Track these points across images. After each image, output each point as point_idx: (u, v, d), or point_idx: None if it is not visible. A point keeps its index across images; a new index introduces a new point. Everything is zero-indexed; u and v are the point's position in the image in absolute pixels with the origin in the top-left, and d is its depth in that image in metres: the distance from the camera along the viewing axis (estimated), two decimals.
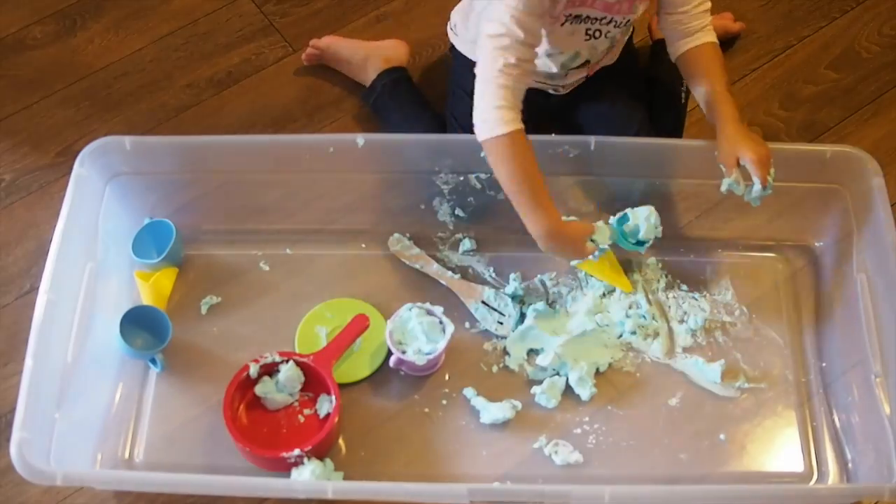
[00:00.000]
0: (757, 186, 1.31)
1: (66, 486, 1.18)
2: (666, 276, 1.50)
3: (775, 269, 1.52)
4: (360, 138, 1.43)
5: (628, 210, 1.40)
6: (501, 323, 1.45)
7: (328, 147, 1.44)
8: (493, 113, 1.26)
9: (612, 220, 1.41)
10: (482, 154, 1.44)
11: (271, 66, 1.81)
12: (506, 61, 1.26)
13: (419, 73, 1.75)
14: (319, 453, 1.32)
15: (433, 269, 1.50)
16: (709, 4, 1.40)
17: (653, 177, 1.48)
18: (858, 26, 1.87)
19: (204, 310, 1.48)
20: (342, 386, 1.38)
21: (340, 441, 1.37)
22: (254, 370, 1.34)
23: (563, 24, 1.37)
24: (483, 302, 1.46)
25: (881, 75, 1.80)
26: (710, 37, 1.40)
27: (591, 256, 1.35)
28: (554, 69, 1.48)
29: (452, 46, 1.61)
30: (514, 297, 1.47)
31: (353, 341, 1.39)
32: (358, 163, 1.46)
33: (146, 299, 1.46)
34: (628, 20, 1.42)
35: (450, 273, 1.50)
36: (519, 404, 1.38)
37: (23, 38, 1.84)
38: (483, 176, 1.48)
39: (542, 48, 1.41)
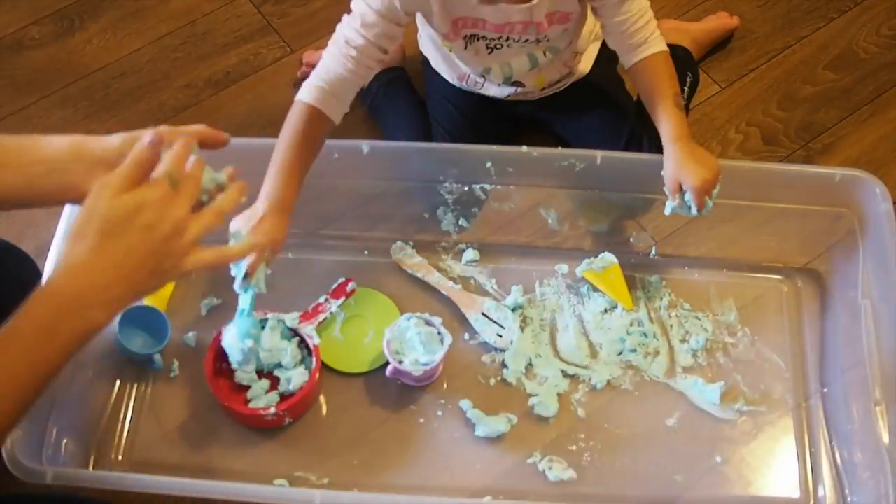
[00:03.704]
0: (693, 211, 1.32)
1: (56, 484, 1.18)
2: (669, 295, 1.49)
3: (780, 291, 1.50)
4: (365, 145, 1.43)
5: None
6: (500, 335, 1.44)
7: (333, 153, 1.44)
8: (312, 82, 1.31)
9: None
10: (488, 164, 1.45)
11: (269, 66, 1.81)
12: (349, 44, 1.30)
13: (416, 73, 1.75)
14: (295, 413, 1.36)
15: (434, 278, 1.50)
16: (649, 14, 1.36)
17: (659, 193, 1.47)
18: (857, 27, 1.86)
19: (204, 311, 1.48)
20: (340, 374, 1.40)
21: (332, 447, 1.37)
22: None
23: (465, 48, 1.41)
24: (483, 313, 1.45)
25: (879, 76, 1.80)
26: (657, 46, 1.37)
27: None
28: (486, 84, 1.52)
29: (421, 53, 1.64)
30: (514, 309, 1.46)
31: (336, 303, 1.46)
32: (362, 169, 1.46)
33: (146, 299, 1.46)
34: (528, 40, 1.40)
35: (451, 283, 1.49)
36: (514, 418, 1.38)
37: (21, 38, 1.85)
38: (488, 187, 1.47)
39: (454, 58, 1.46)
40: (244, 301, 1.30)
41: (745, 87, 1.79)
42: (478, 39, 1.39)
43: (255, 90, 1.78)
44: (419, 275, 1.50)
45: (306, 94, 1.31)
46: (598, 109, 1.58)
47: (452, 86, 1.59)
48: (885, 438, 1.27)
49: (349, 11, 1.33)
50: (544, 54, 1.45)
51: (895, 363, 1.30)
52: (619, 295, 1.47)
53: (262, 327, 1.38)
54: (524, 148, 1.43)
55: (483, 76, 1.51)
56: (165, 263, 0.88)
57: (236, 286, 1.24)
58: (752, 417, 1.39)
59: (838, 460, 1.35)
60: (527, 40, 1.39)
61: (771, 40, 1.85)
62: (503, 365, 1.43)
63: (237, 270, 1.22)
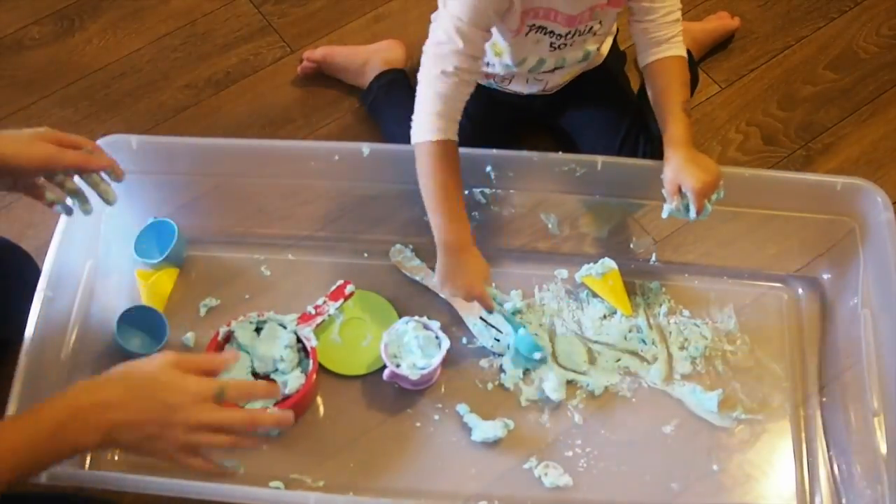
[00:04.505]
0: (692, 214, 1.31)
1: (51, 484, 1.18)
2: (668, 301, 1.48)
3: (780, 299, 1.50)
4: (366, 147, 1.43)
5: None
6: (498, 340, 1.44)
7: (333, 155, 1.43)
8: (426, 118, 1.29)
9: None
10: (487, 169, 1.44)
11: (269, 66, 1.81)
12: (444, 68, 1.27)
13: (416, 73, 1.75)
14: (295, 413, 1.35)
15: (433, 281, 1.49)
16: (678, 14, 1.37)
17: (660, 199, 1.47)
18: (857, 27, 1.86)
19: (203, 311, 1.48)
20: (337, 377, 1.41)
21: (329, 449, 1.37)
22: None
23: (527, 35, 1.38)
24: (481, 318, 1.45)
25: (879, 75, 1.80)
26: (677, 50, 1.37)
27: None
28: (517, 70, 1.49)
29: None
30: (514, 313, 1.46)
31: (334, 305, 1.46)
32: (363, 171, 1.46)
33: (145, 299, 1.46)
34: (591, 28, 1.40)
35: None
36: (512, 423, 1.37)
37: (21, 38, 1.85)
38: (487, 191, 1.47)
39: (506, 58, 1.42)
40: (505, 322, 1.41)
41: (745, 87, 1.79)
42: (544, 33, 1.38)
43: (255, 90, 1.78)
44: (417, 277, 1.50)
45: (428, 132, 1.29)
46: (601, 101, 1.58)
47: None
48: (883, 448, 1.27)
49: (432, 41, 1.31)
50: (597, 49, 1.46)
51: (894, 373, 1.29)
52: (619, 301, 1.47)
53: (259, 330, 1.39)
54: (525, 152, 1.43)
55: (530, 68, 1.48)
56: (158, 442, 0.98)
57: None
58: (750, 425, 1.38)
59: (835, 469, 1.35)
60: (590, 29, 1.39)
61: (771, 40, 1.85)
62: (501, 369, 1.42)
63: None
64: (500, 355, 1.43)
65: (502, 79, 1.53)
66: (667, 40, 1.36)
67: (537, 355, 1.40)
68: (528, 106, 1.59)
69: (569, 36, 1.38)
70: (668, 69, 1.37)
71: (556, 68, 1.47)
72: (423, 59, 1.30)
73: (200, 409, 0.99)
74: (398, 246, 1.52)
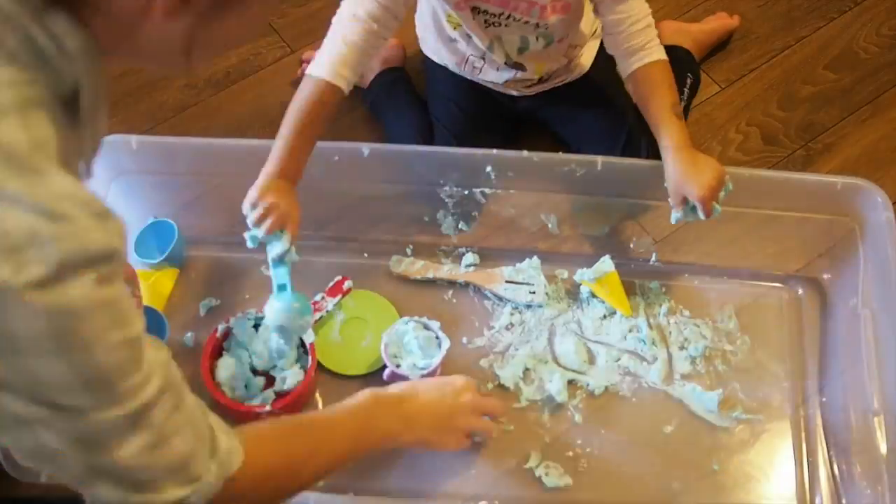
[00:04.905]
0: (702, 217, 1.31)
1: (50, 484, 1.18)
2: (668, 301, 1.48)
3: (781, 299, 1.50)
4: (366, 148, 1.43)
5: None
6: (534, 292, 1.45)
7: (333, 155, 1.43)
8: (325, 57, 1.29)
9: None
10: (487, 169, 1.44)
11: (270, 66, 1.82)
12: (355, 12, 1.28)
13: (416, 72, 1.75)
14: (291, 412, 1.33)
15: (445, 270, 1.49)
16: (648, 20, 1.36)
17: (660, 199, 1.47)
18: (857, 27, 1.86)
19: (203, 311, 1.48)
20: (337, 376, 1.41)
21: None
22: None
23: (473, 18, 1.40)
24: (507, 281, 1.46)
25: (879, 76, 1.80)
26: (654, 55, 1.36)
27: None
28: (485, 67, 1.52)
29: (422, 52, 1.65)
30: (516, 306, 1.46)
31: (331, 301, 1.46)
32: (363, 172, 1.46)
33: (145, 299, 1.45)
34: (528, 22, 1.40)
35: (463, 268, 1.50)
36: (511, 423, 1.37)
37: None
38: (488, 191, 1.47)
39: (464, 32, 1.46)
40: (283, 276, 1.30)
41: (745, 87, 1.79)
42: (479, 13, 1.39)
43: (255, 90, 1.78)
44: (429, 275, 1.49)
45: (314, 68, 1.30)
46: (598, 110, 1.58)
47: (454, 84, 1.60)
48: (883, 449, 1.27)
49: None
50: (536, 39, 1.45)
51: (894, 373, 1.29)
52: (618, 301, 1.47)
53: (258, 326, 1.38)
54: (525, 153, 1.43)
55: (483, 56, 1.50)
56: (447, 436, 1.25)
57: (273, 255, 1.28)
58: (750, 425, 1.38)
59: (835, 470, 1.35)
60: (526, 22, 1.39)
61: (771, 40, 1.85)
62: (500, 369, 1.42)
63: (270, 246, 1.27)
64: (541, 306, 1.46)
65: (473, 68, 1.55)
66: (641, 48, 1.36)
67: (307, 318, 1.33)
68: (515, 104, 1.61)
69: (502, 17, 1.39)
70: (648, 76, 1.36)
71: (507, 57, 1.48)
72: (342, 2, 1.32)
73: (474, 395, 1.25)
74: (396, 257, 1.51)
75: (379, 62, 1.73)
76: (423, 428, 1.22)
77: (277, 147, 1.29)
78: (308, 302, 1.35)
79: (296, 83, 1.77)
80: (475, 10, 1.39)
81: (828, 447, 1.37)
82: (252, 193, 1.27)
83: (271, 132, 1.60)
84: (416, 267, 1.51)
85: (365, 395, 1.17)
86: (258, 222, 1.26)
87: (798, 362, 1.44)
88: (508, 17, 1.39)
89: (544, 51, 1.48)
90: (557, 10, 1.37)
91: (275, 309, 1.30)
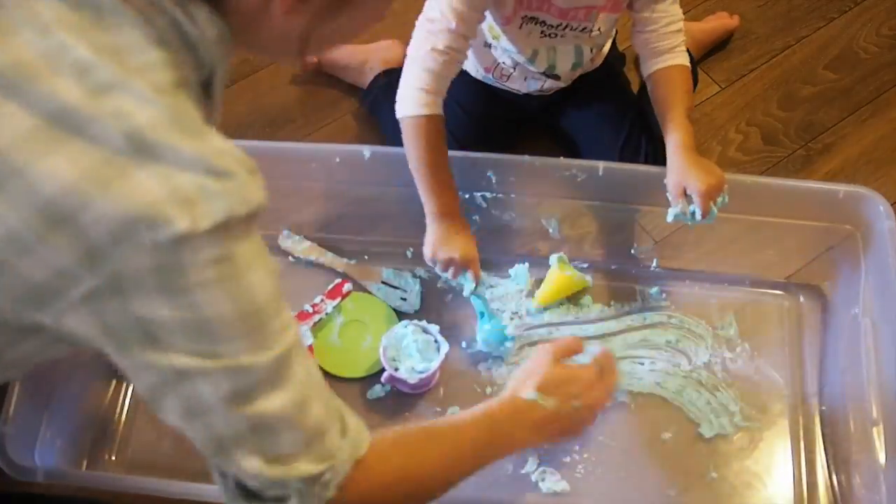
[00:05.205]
0: (698, 216, 1.30)
1: (47, 482, 1.19)
2: (669, 307, 1.48)
3: (781, 307, 1.49)
4: (367, 150, 1.43)
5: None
6: (405, 299, 1.47)
7: (334, 157, 1.43)
8: (413, 93, 1.29)
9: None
10: (489, 173, 1.44)
11: (269, 66, 1.81)
12: (433, 46, 1.28)
13: None
14: None
15: (328, 258, 1.52)
16: (680, 24, 1.38)
17: (661, 204, 1.47)
18: (857, 27, 1.86)
19: None
20: (336, 379, 1.40)
21: None
22: None
23: (520, 27, 1.39)
24: (383, 282, 1.48)
25: (879, 75, 1.80)
26: (680, 59, 1.38)
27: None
28: (514, 75, 1.51)
29: None
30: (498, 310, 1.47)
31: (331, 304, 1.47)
32: (364, 174, 1.46)
33: None
34: (585, 28, 1.40)
35: (345, 259, 1.52)
36: None
37: None
38: (488, 195, 1.47)
39: (504, 42, 1.43)
40: (480, 306, 1.41)
41: (745, 87, 1.79)
42: (536, 23, 1.38)
43: (255, 90, 1.78)
44: (311, 258, 1.51)
45: (415, 106, 1.30)
46: (602, 104, 1.58)
47: (462, 86, 1.58)
48: (882, 458, 1.26)
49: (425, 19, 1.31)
50: (591, 50, 1.46)
51: (893, 383, 1.29)
52: (575, 284, 1.47)
53: None
54: (526, 157, 1.43)
55: (515, 66, 1.49)
56: (571, 428, 1.11)
57: (466, 293, 1.39)
58: (749, 433, 1.38)
59: (834, 478, 1.35)
60: (583, 29, 1.39)
61: (771, 40, 1.85)
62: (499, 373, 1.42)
63: (465, 281, 1.37)
64: (410, 313, 1.47)
65: (501, 74, 1.53)
66: (669, 50, 1.37)
67: (507, 345, 1.42)
68: (525, 105, 1.60)
69: (560, 28, 1.39)
70: (671, 78, 1.37)
71: (549, 67, 1.47)
72: (415, 34, 1.31)
73: (593, 391, 1.12)
74: (286, 231, 1.53)
75: (379, 62, 1.72)
76: (554, 431, 1.10)
77: (427, 189, 1.33)
78: (504, 327, 1.43)
79: (296, 83, 1.80)
80: (531, 20, 1.38)
81: (826, 456, 1.36)
82: (426, 252, 1.35)
83: (271, 132, 1.61)
84: (303, 246, 1.52)
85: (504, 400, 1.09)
86: (444, 271, 1.36)
87: (798, 370, 1.44)
88: (566, 27, 1.39)
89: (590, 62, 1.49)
90: (608, 9, 1.37)
91: (481, 332, 1.42)
